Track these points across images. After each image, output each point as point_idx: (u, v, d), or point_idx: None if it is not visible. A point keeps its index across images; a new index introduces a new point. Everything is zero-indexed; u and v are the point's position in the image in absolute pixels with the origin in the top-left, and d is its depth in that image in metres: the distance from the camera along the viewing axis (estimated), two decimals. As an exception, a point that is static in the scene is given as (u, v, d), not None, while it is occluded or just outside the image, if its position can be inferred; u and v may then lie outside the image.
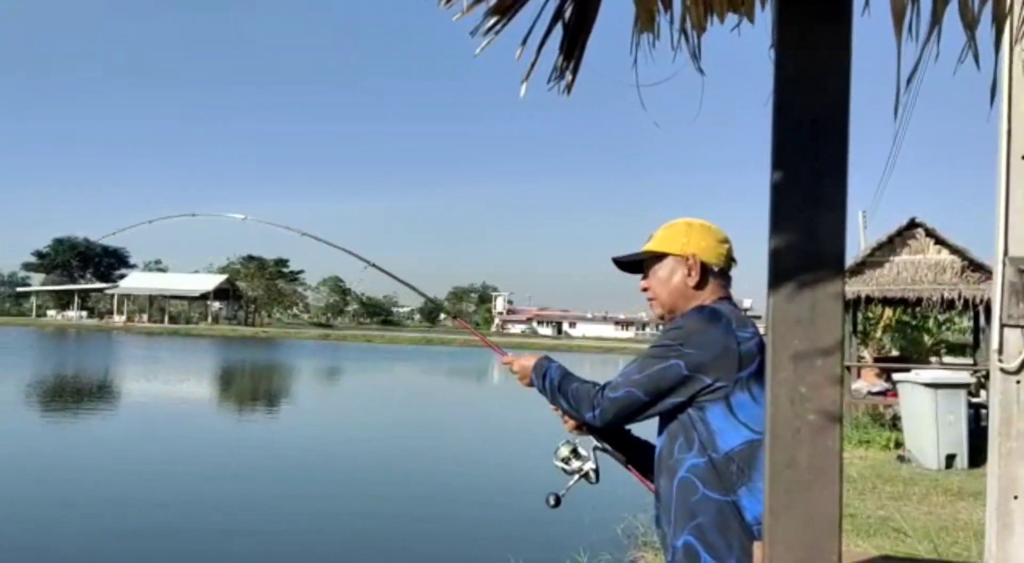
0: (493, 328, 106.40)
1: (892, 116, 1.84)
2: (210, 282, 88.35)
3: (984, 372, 13.65)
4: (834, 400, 1.19)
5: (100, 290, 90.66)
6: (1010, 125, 3.16)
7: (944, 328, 23.37)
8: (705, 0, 1.95)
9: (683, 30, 2.00)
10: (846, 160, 1.21)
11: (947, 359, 21.41)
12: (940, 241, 14.06)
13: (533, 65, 2.03)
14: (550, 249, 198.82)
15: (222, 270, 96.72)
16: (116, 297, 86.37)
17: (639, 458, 2.34)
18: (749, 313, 2.21)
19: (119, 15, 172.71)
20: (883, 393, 13.56)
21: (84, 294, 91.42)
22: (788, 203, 1.22)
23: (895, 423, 12.33)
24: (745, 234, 2.31)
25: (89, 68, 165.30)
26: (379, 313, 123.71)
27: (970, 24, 1.83)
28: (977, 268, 13.55)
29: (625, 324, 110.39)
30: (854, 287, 13.82)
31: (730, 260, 2.25)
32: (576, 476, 2.37)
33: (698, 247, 2.20)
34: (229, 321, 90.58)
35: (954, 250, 13.95)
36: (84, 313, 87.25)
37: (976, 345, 15.85)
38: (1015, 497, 2.89)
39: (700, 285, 2.18)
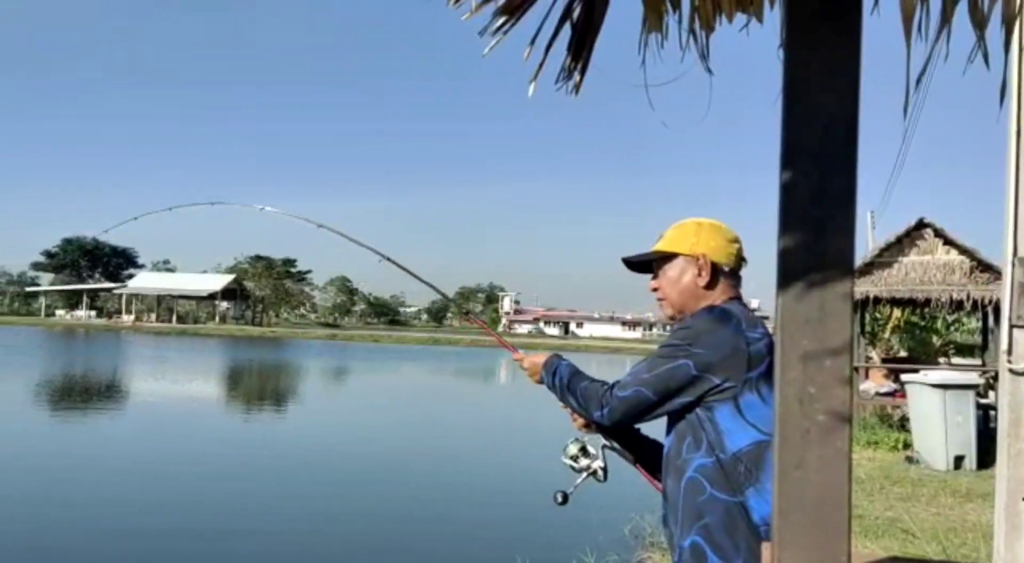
0: (500, 328, 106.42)
1: (900, 116, 1.83)
2: (218, 282, 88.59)
3: (993, 373, 13.59)
4: (843, 401, 1.18)
5: (108, 290, 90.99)
6: (1019, 125, 3.15)
7: (953, 329, 23.28)
8: (714, 0, 1.95)
9: (692, 30, 2.00)
10: (855, 160, 1.21)
11: (956, 360, 21.33)
12: (949, 241, 14.00)
13: (541, 65, 2.04)
14: (557, 249, 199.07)
15: (230, 270, 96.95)
16: (124, 297, 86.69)
17: (648, 457, 2.33)
18: (756, 313, 2.20)
19: (121, 15, 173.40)
20: (891, 394, 13.52)
21: (93, 294, 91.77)
22: (797, 203, 1.22)
23: (903, 424, 12.29)
24: (752, 234, 2.30)
25: (91, 68, 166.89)
26: (386, 313, 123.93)
27: (980, 24, 1.83)
28: (986, 269, 13.50)
29: (632, 324, 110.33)
30: (862, 287, 13.78)
31: (740, 260, 2.24)
32: (584, 474, 2.37)
33: (708, 247, 2.19)
34: (237, 321, 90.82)
35: (963, 250, 13.89)
36: (93, 313, 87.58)
37: (985, 346, 15.78)
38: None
39: (710, 285, 2.18)
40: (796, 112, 1.23)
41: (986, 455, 9.93)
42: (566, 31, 2.01)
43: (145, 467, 11.07)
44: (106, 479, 10.28)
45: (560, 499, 2.37)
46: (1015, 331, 2.94)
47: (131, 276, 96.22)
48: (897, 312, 20.20)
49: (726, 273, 2.20)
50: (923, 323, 21.77)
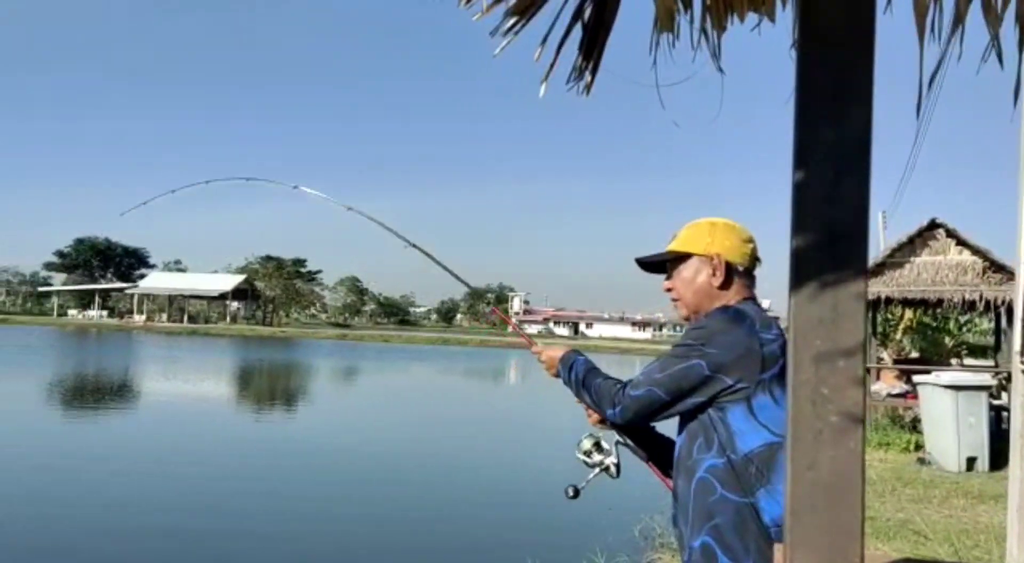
0: (510, 329, 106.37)
1: (913, 116, 1.83)
2: (229, 282, 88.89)
3: (1005, 374, 13.50)
4: (856, 402, 1.18)
5: (120, 290, 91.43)
6: (1034, 124, 3.12)
7: (965, 330, 23.15)
8: (725, 0, 1.95)
9: (703, 30, 2.00)
10: (869, 160, 1.20)
11: (968, 361, 21.22)
12: (961, 242, 13.92)
13: (552, 65, 2.04)
14: (566, 249, 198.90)
15: (240, 270, 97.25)
16: (136, 297, 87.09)
17: (661, 455, 2.33)
18: (768, 313, 2.20)
19: (126, 15, 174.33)
20: (903, 395, 13.45)
21: (105, 294, 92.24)
22: (811, 203, 1.21)
23: (915, 425, 12.23)
24: (763, 233, 2.29)
25: (96, 68, 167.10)
26: (396, 313, 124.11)
27: (993, 23, 1.82)
28: (999, 269, 13.42)
29: (642, 325, 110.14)
30: (874, 288, 13.71)
31: (754, 259, 2.23)
32: (597, 469, 2.37)
33: (722, 247, 2.18)
34: (247, 321, 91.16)
35: (975, 251, 13.81)
36: (104, 313, 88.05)
37: (997, 347, 15.68)
38: (1038, 500, 2.86)
39: (725, 285, 2.17)
40: (809, 112, 1.23)
41: (998, 456, 9.88)
42: (577, 31, 2.02)
43: (156, 467, 11.13)
44: (116, 479, 10.33)
45: (572, 493, 2.37)
46: (1029, 332, 2.92)
47: (143, 276, 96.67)
48: (909, 313, 20.10)
49: (740, 273, 2.19)
50: (935, 324, 21.66)
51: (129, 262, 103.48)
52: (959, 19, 1.79)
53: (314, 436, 15.74)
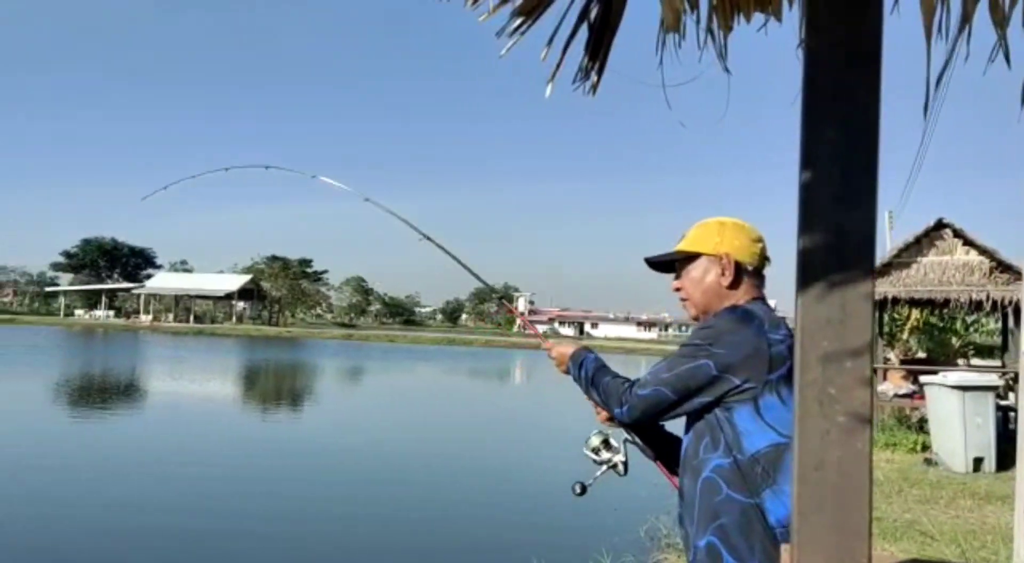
0: (515, 328, 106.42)
1: (920, 116, 1.82)
2: (235, 282, 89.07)
3: (1013, 374, 13.46)
4: (864, 402, 1.18)
5: (127, 290, 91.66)
6: (1041, 124, 3.11)
7: (972, 330, 23.10)
8: (732, 0, 1.95)
9: (709, 30, 2.00)
10: (876, 160, 1.20)
11: (975, 361, 21.15)
12: (968, 242, 13.88)
13: (559, 66, 2.04)
14: (572, 249, 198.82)
15: (246, 270, 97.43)
16: (143, 297, 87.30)
17: (669, 454, 2.32)
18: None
19: (132, 16, 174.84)
20: (910, 395, 13.41)
21: (111, 294, 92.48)
22: (817, 202, 1.21)
23: (922, 426, 12.20)
24: (770, 233, 2.28)
25: (103, 68, 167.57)
26: (401, 313, 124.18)
27: (1000, 23, 1.81)
28: (1006, 269, 13.38)
29: (647, 325, 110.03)
30: (880, 288, 13.68)
31: (764, 259, 2.22)
32: (604, 467, 2.37)
33: (731, 246, 2.17)
34: (253, 321, 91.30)
35: (982, 251, 13.77)
36: (111, 313, 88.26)
37: (1004, 347, 15.64)
38: (1045, 501, 2.85)
39: (734, 285, 2.16)
40: (817, 112, 1.23)
41: (1005, 457, 9.85)
42: (583, 31, 2.02)
43: (162, 468, 11.16)
44: (121, 479, 10.36)
45: (579, 490, 2.37)
46: (1036, 332, 2.92)
47: (149, 276, 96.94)
48: (916, 313, 20.07)
49: (750, 273, 2.18)
50: (942, 324, 21.61)
51: (136, 262, 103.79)
52: (966, 19, 1.79)
53: (319, 436, 15.77)
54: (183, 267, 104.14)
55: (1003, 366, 14.88)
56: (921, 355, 19.56)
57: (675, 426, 2.29)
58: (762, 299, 2.18)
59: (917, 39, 1.70)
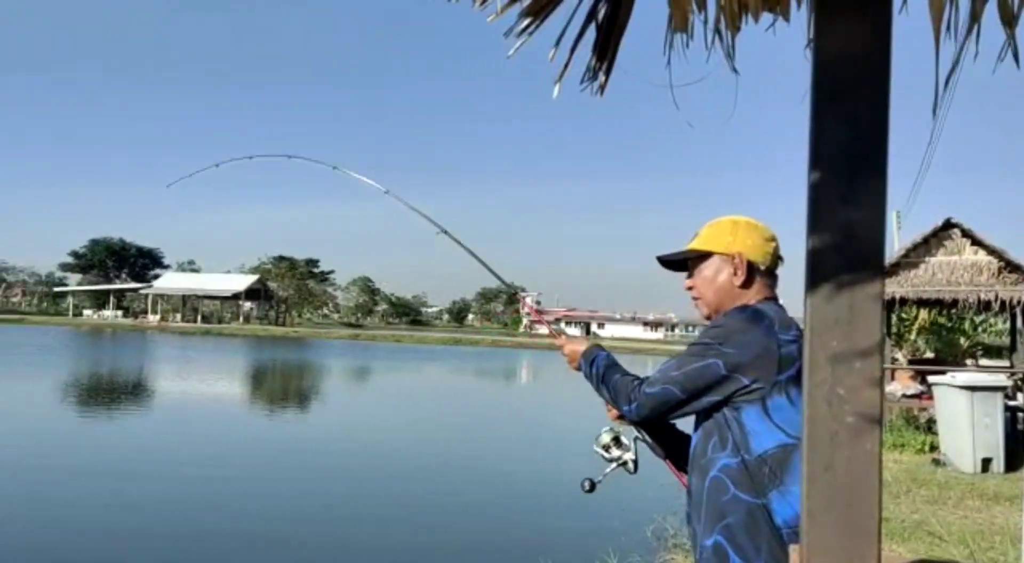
0: (522, 328, 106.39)
1: (928, 115, 1.82)
2: (242, 282, 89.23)
3: (1021, 375, 13.43)
4: (873, 402, 1.17)
5: (135, 290, 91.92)
6: (1050, 124, 3.10)
7: (980, 330, 23.02)
8: (740, 0, 1.95)
9: (717, 30, 1.99)
10: (886, 160, 1.20)
11: (983, 362, 21.09)
12: (976, 241, 13.83)
13: (566, 66, 2.04)
14: (578, 250, 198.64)
15: (253, 270, 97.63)
16: (150, 297, 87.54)
17: (679, 452, 2.32)
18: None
19: (135, 16, 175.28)
20: (918, 396, 13.37)
21: (119, 294, 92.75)
22: (826, 202, 1.21)
23: (930, 426, 12.16)
24: (778, 233, 2.28)
25: (110, 68, 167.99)
26: (408, 313, 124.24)
27: (1009, 22, 1.80)
28: (1014, 269, 13.33)
29: (654, 325, 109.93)
30: (888, 288, 13.64)
31: (777, 259, 2.21)
32: (614, 464, 2.37)
33: (744, 246, 2.17)
34: (260, 321, 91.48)
35: (991, 251, 13.72)
36: (119, 313, 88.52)
37: (1013, 347, 15.58)
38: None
39: (746, 284, 2.15)
40: (825, 112, 1.23)
41: (1014, 457, 9.82)
42: (591, 32, 2.02)
43: (169, 469, 11.19)
44: (127, 479, 10.37)
45: (588, 487, 2.37)
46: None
47: (157, 276, 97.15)
48: (924, 313, 20.01)
49: (762, 272, 2.18)
50: (950, 324, 21.54)
51: (143, 262, 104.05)
52: (975, 18, 1.78)
53: (325, 436, 15.80)
54: (190, 267, 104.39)
55: (1012, 366, 14.83)
56: (929, 355, 19.49)
57: (685, 424, 2.30)
58: (774, 299, 2.17)
59: (926, 38, 1.70)
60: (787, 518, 1.89)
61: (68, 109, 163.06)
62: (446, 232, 3.14)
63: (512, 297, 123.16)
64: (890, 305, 14.34)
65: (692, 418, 2.16)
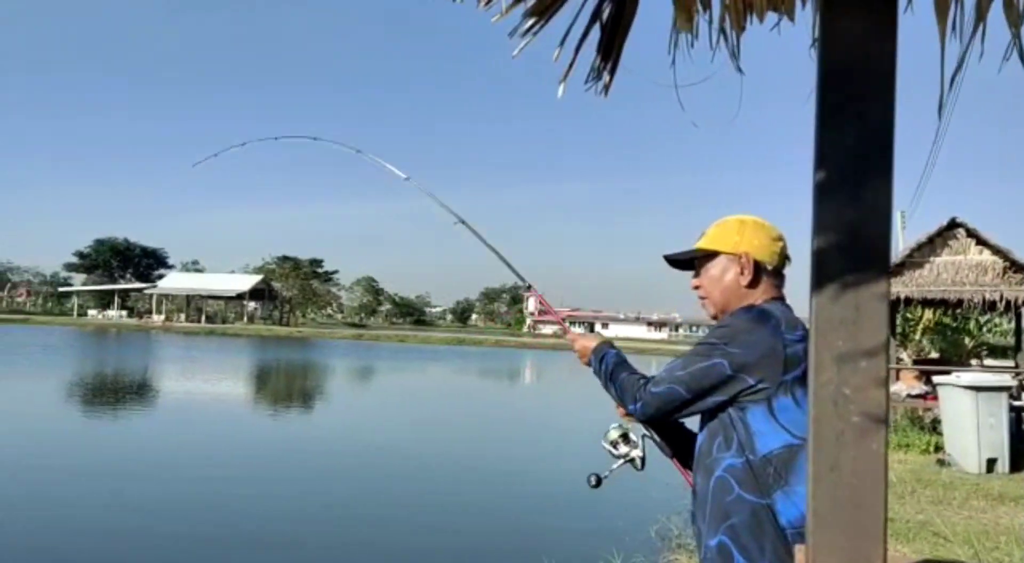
0: (525, 328, 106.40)
1: (933, 115, 1.81)
2: (246, 282, 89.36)
3: (1027, 375, 13.38)
4: (879, 402, 1.17)
5: (139, 290, 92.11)
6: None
7: (985, 330, 22.97)
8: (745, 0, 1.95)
9: (722, 29, 1.99)
10: (891, 159, 1.20)
11: (988, 362, 21.06)
12: (981, 241, 13.81)
13: (571, 66, 2.04)
14: (582, 250, 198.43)
15: (257, 270, 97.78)
16: (155, 297, 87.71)
17: (688, 451, 2.32)
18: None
19: (140, 15, 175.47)
20: (922, 396, 13.35)
21: (124, 294, 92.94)
22: (832, 202, 1.21)
23: (935, 426, 12.14)
24: (784, 232, 2.27)
25: (105, 68, 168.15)
26: (411, 313, 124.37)
27: (1015, 22, 1.80)
28: (1019, 269, 13.31)
29: (658, 325, 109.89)
30: (893, 288, 13.60)
31: (784, 259, 2.21)
32: (621, 461, 2.37)
33: (751, 245, 2.17)
34: (264, 321, 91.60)
35: (996, 251, 13.69)
36: (124, 313, 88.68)
37: (1018, 347, 15.53)
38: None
39: (753, 284, 2.15)
40: (831, 111, 1.22)
41: (1019, 458, 9.80)
42: (595, 32, 2.02)
43: (173, 470, 11.21)
44: (132, 480, 10.38)
45: (594, 482, 2.37)
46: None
47: (161, 276, 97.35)
48: (928, 313, 19.98)
49: (769, 272, 2.17)
50: (955, 324, 21.50)
51: (148, 262, 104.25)
52: (980, 17, 1.78)
53: (329, 436, 15.81)
54: (195, 267, 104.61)
55: (1016, 366, 14.79)
56: (934, 355, 19.46)
57: (694, 423, 2.30)
58: (781, 299, 2.17)
59: (931, 38, 1.70)
60: (791, 519, 1.89)
61: (69, 109, 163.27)
62: (464, 222, 3.15)
63: (515, 298, 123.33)
64: (895, 305, 14.32)
65: (698, 417, 2.16)
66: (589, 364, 2.41)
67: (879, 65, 1.22)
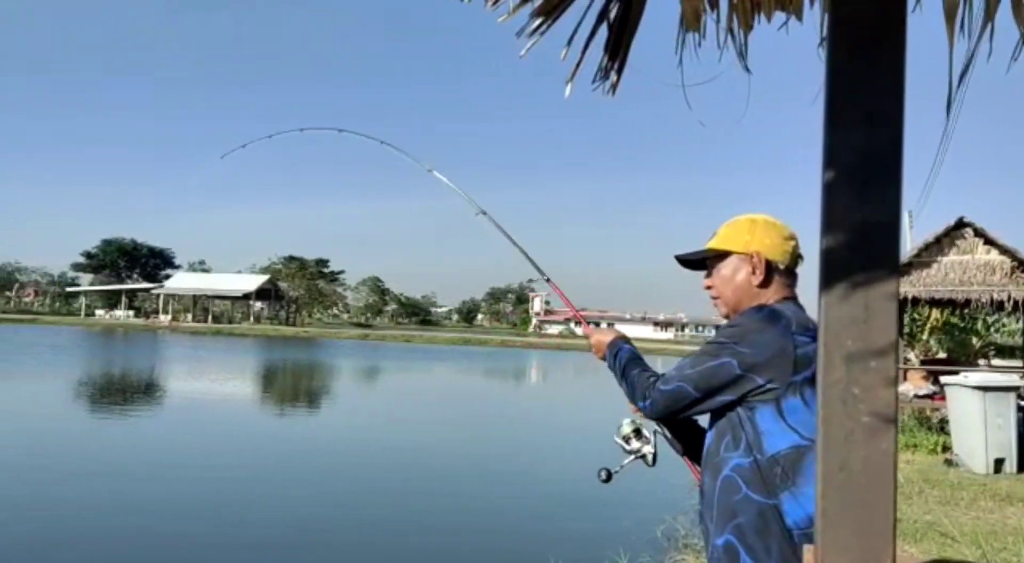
0: (531, 328, 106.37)
1: (939, 114, 1.81)
2: (252, 282, 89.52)
3: (1035, 375, 13.33)
4: (888, 402, 1.17)
5: (146, 290, 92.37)
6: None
7: (993, 330, 22.89)
8: (752, -2, 1.94)
9: (729, 29, 1.99)
10: (900, 157, 1.19)
11: (996, 362, 20.97)
12: (989, 241, 13.76)
13: (578, 65, 2.04)
14: (587, 249, 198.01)
15: (264, 270, 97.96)
16: (162, 297, 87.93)
17: (700, 449, 2.31)
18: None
19: (153, 17, 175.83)
20: (930, 396, 13.31)
21: (131, 294, 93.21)
22: (841, 202, 1.21)
23: (942, 427, 12.10)
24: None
25: (105, 68, 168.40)
26: (417, 313, 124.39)
27: (1022, 22, 1.79)
28: (1028, 269, 13.25)
29: (664, 325, 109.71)
30: (900, 288, 13.56)
31: (796, 258, 2.20)
32: (633, 456, 2.37)
33: (762, 245, 2.16)
34: (271, 321, 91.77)
35: (1004, 250, 13.64)
36: (131, 313, 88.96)
37: (1027, 347, 15.49)
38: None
39: (764, 284, 2.14)
40: (840, 111, 1.22)
41: (1027, 458, 9.75)
42: (603, 31, 2.02)
43: (177, 471, 11.22)
44: (136, 480, 10.39)
45: (604, 476, 2.37)
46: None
47: (168, 276, 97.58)
48: (936, 313, 19.91)
49: (781, 271, 2.16)
50: (962, 324, 21.43)
51: (155, 262, 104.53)
52: (989, 16, 1.77)
53: (333, 436, 15.84)
54: (201, 267, 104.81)
55: (1025, 366, 14.73)
56: (941, 355, 19.40)
57: (706, 421, 2.29)
58: (793, 298, 2.16)
59: (940, 37, 1.69)
60: (798, 519, 1.89)
61: (70, 109, 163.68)
62: (485, 213, 3.15)
63: (521, 298, 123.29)
64: (902, 305, 14.27)
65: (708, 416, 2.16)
66: (604, 359, 2.42)
67: (888, 64, 1.22)
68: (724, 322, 2.19)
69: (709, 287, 2.27)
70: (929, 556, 5.64)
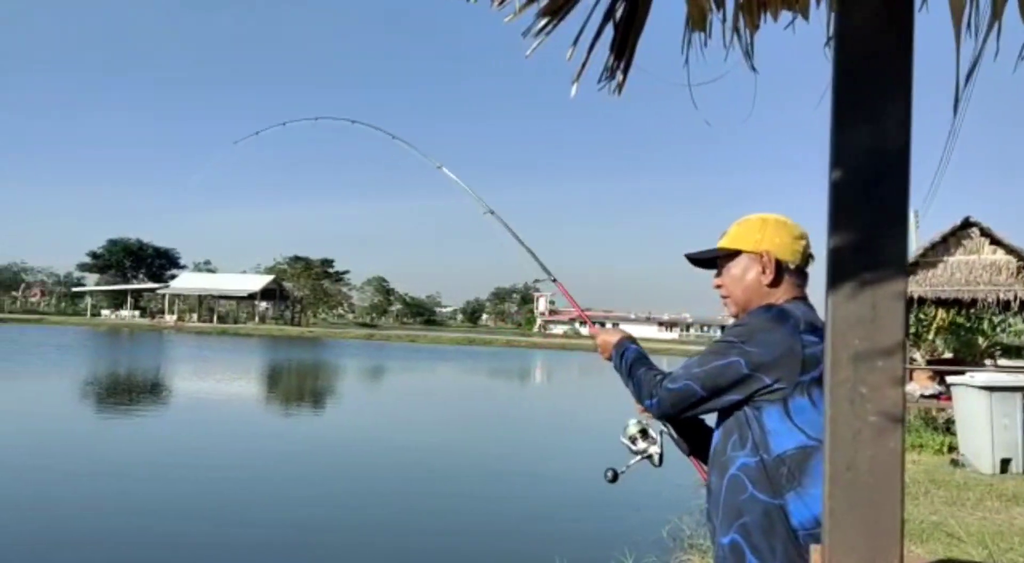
0: (535, 328, 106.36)
1: (945, 114, 1.81)
2: (257, 282, 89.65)
3: (1042, 375, 13.28)
4: (896, 402, 1.17)
5: (152, 290, 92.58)
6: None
7: (999, 330, 22.81)
8: (759, -2, 1.94)
9: (736, 28, 1.99)
10: (908, 157, 1.19)
11: (1002, 362, 20.91)
12: (996, 241, 13.73)
13: (584, 65, 2.04)
14: (592, 249, 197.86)
15: (269, 270, 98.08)
16: (167, 297, 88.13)
17: (707, 448, 2.31)
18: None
19: (152, 16, 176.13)
20: (936, 396, 13.28)
21: (137, 294, 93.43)
22: (848, 201, 1.21)
23: (948, 427, 12.07)
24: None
25: (106, 68, 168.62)
26: (422, 313, 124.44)
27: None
28: (1034, 268, 13.21)
29: (669, 325, 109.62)
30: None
31: (807, 257, 2.20)
32: (639, 456, 2.37)
33: (772, 244, 2.16)
34: (276, 321, 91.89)
35: (1010, 250, 13.61)
36: (136, 313, 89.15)
37: (1033, 347, 15.44)
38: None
39: (775, 283, 2.14)
40: (846, 110, 1.22)
41: (1034, 459, 9.72)
42: (608, 31, 2.02)
43: (181, 471, 11.25)
44: (140, 480, 10.42)
45: (611, 476, 2.37)
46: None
47: (173, 277, 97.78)
48: (942, 313, 19.85)
49: (791, 271, 2.16)
50: (969, 324, 21.36)
51: (160, 263, 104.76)
52: (996, 16, 1.77)
53: (338, 435, 15.86)
54: (207, 267, 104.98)
55: (1031, 366, 14.69)
56: (948, 355, 19.35)
57: (713, 420, 2.29)
58: (804, 298, 2.16)
59: (946, 36, 1.69)
60: (803, 520, 1.89)
61: (71, 109, 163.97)
62: (494, 212, 3.15)
63: (526, 298, 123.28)
64: (908, 305, 14.25)
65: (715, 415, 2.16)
66: (611, 359, 2.41)
67: (895, 63, 1.22)
68: (730, 322, 2.19)
69: (719, 286, 2.27)
70: (935, 556, 5.63)
